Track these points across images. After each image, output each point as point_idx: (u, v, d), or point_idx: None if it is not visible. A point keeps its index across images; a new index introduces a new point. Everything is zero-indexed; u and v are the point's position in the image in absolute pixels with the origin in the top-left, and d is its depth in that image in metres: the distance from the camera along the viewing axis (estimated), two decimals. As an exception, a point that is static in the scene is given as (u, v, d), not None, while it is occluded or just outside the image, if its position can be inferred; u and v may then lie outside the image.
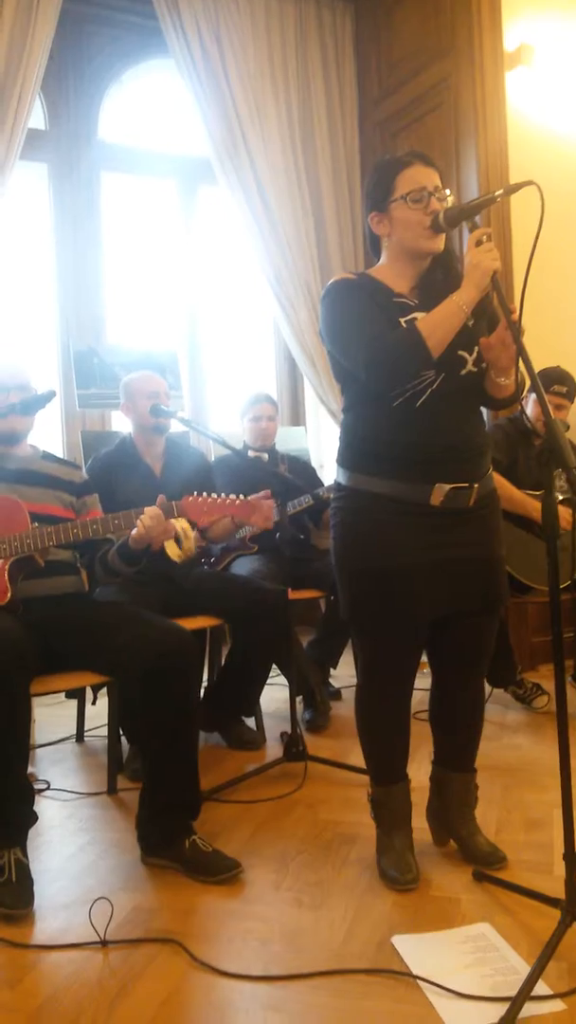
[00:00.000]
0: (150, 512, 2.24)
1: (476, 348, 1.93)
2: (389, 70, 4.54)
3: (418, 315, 1.89)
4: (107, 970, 1.71)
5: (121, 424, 4.13)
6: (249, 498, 2.28)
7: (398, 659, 2.02)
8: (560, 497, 2.94)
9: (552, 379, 3.25)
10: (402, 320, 1.90)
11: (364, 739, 2.13)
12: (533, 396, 3.21)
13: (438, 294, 1.87)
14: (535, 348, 1.79)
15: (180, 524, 2.36)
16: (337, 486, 2.03)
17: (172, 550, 2.44)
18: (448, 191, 1.92)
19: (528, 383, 1.74)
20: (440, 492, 1.89)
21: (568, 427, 3.27)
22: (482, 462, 1.98)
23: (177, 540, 2.45)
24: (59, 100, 4.40)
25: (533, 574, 3.03)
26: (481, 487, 1.95)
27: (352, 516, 1.98)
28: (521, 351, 1.70)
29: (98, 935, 1.80)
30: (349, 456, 2.00)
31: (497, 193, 1.81)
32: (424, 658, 2.13)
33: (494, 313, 1.95)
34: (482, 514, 1.98)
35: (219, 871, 2.05)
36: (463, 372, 1.93)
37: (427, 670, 2.17)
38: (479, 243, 1.80)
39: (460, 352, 1.91)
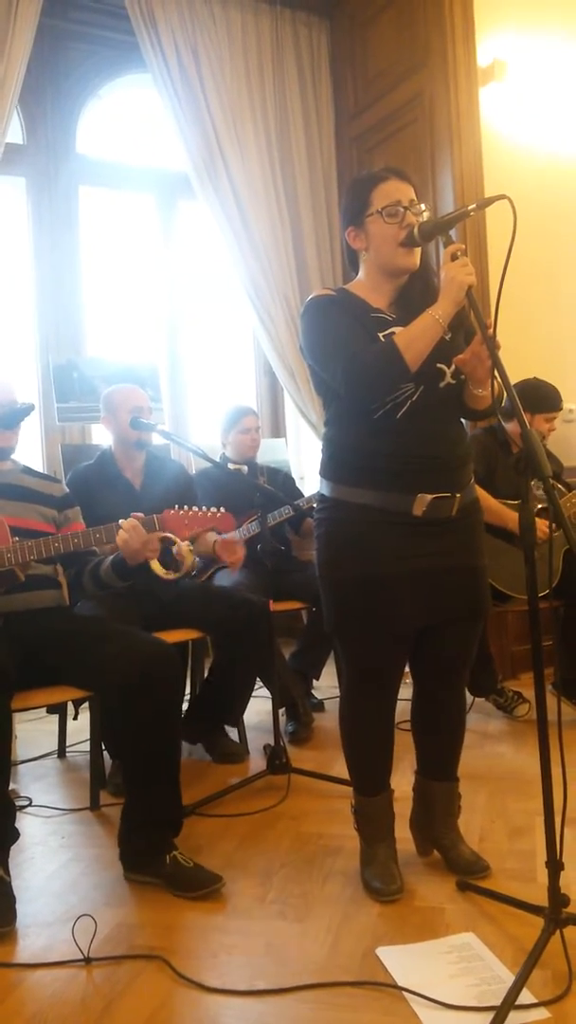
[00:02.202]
0: (127, 525, 2.23)
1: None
2: (364, 85, 4.59)
3: (396, 330, 1.91)
4: (91, 988, 1.70)
5: (101, 437, 4.12)
6: (227, 536, 2.30)
7: (382, 668, 2.03)
8: (538, 507, 2.96)
9: (553, 401, 3.28)
10: (380, 335, 1.92)
11: (348, 750, 2.13)
12: (533, 415, 3.25)
13: (416, 309, 1.89)
14: (509, 360, 1.82)
15: (184, 545, 2.37)
16: (320, 497, 2.04)
17: (158, 568, 2.43)
18: (423, 205, 1.94)
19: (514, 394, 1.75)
20: (422, 502, 1.91)
21: (545, 438, 3.33)
22: (464, 472, 1.99)
23: (168, 559, 2.45)
24: (37, 114, 4.40)
25: (512, 583, 3.05)
26: (463, 497, 1.97)
27: (335, 526, 1.99)
28: (497, 364, 1.71)
29: (82, 952, 1.79)
30: (332, 468, 2.02)
31: (470, 207, 1.84)
32: (406, 668, 2.14)
33: (471, 326, 1.97)
34: (465, 524, 2.00)
35: (200, 886, 2.04)
36: (442, 385, 1.95)
37: (409, 680, 2.17)
38: (454, 257, 1.83)
39: (439, 365, 1.93)
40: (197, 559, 3.00)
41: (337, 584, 2.00)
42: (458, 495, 1.95)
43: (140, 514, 2.27)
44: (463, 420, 2.06)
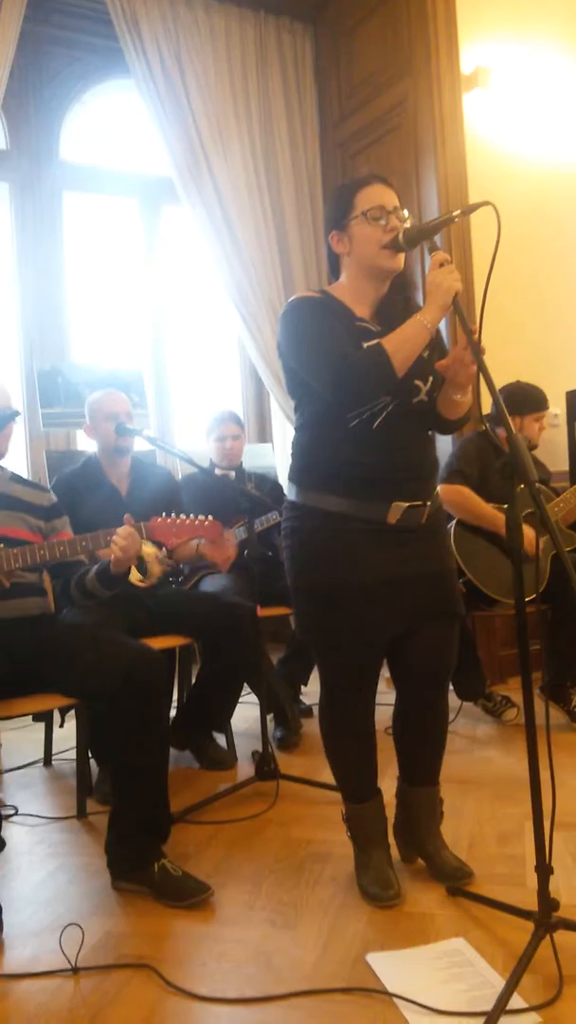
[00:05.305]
0: (123, 532, 2.22)
1: (430, 379, 1.97)
2: (349, 91, 4.60)
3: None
4: (79, 998, 1.68)
5: (87, 443, 4.11)
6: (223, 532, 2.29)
7: (356, 675, 2.03)
8: (526, 511, 2.97)
9: (539, 401, 3.30)
10: (365, 345, 1.92)
11: (332, 759, 2.13)
12: (522, 417, 3.27)
13: (398, 323, 1.90)
14: (493, 365, 1.82)
15: (146, 549, 2.34)
16: (290, 504, 2.03)
17: (133, 575, 2.42)
18: (407, 212, 1.95)
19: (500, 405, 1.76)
20: (397, 511, 1.92)
21: (536, 446, 3.35)
22: (432, 482, 2.03)
23: (140, 566, 2.44)
24: (20, 119, 4.39)
25: (501, 588, 3.06)
26: (431, 505, 1.99)
27: (307, 535, 1.99)
28: (482, 369, 1.71)
29: (69, 962, 1.77)
30: (304, 475, 2.01)
31: (455, 213, 1.84)
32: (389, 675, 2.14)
33: (444, 346, 2.02)
34: (430, 529, 2.01)
35: (188, 895, 2.02)
36: (415, 400, 1.97)
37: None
38: (441, 264, 1.83)
39: (416, 381, 1.95)
40: (170, 563, 2.97)
41: (307, 592, 2.01)
42: (428, 504, 1.98)
43: (130, 516, 2.26)
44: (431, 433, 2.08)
